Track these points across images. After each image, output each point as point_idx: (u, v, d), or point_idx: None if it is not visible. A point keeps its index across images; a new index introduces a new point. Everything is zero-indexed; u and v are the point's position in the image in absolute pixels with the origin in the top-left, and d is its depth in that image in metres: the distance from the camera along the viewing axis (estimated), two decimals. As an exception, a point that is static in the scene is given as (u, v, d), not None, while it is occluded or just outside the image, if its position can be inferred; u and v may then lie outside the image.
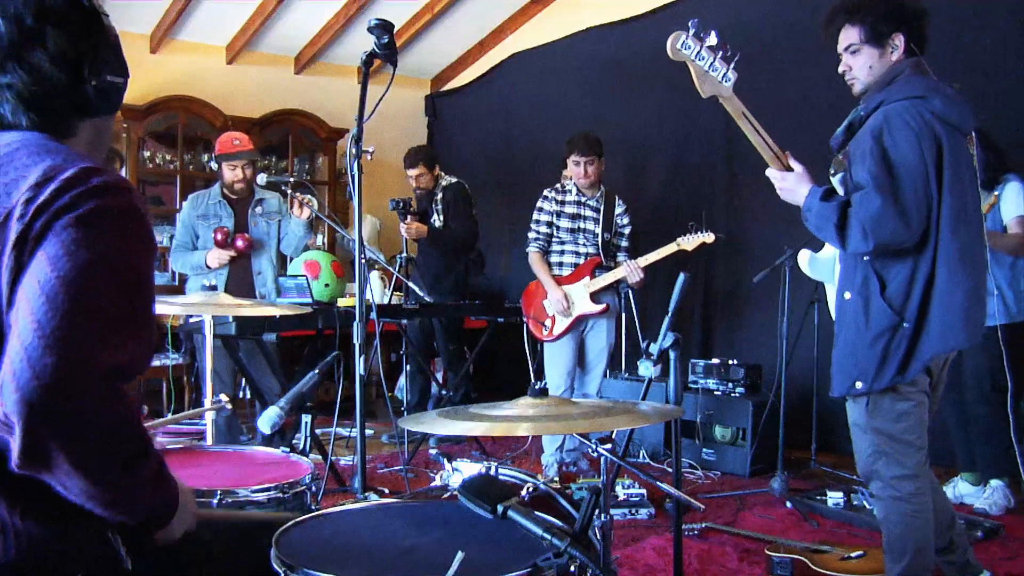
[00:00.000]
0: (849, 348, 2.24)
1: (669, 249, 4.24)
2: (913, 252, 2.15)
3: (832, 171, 2.33)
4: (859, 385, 2.22)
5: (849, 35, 2.28)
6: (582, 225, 4.32)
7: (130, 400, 1.08)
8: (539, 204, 4.38)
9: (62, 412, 1.01)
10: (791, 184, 2.27)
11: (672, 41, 2.16)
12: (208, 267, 4.27)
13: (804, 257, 2.55)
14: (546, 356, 4.40)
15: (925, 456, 2.28)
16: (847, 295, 2.26)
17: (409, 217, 5.02)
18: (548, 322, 4.32)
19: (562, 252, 4.36)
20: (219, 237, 4.24)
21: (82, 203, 1.06)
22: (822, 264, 2.50)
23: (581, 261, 4.32)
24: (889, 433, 2.24)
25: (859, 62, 2.28)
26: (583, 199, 4.33)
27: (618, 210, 4.38)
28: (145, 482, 1.15)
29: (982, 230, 2.25)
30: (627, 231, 4.43)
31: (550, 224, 4.34)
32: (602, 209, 4.33)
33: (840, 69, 2.34)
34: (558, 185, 4.41)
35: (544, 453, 4.36)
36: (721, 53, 2.20)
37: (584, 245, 4.32)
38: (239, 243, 4.28)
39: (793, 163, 2.29)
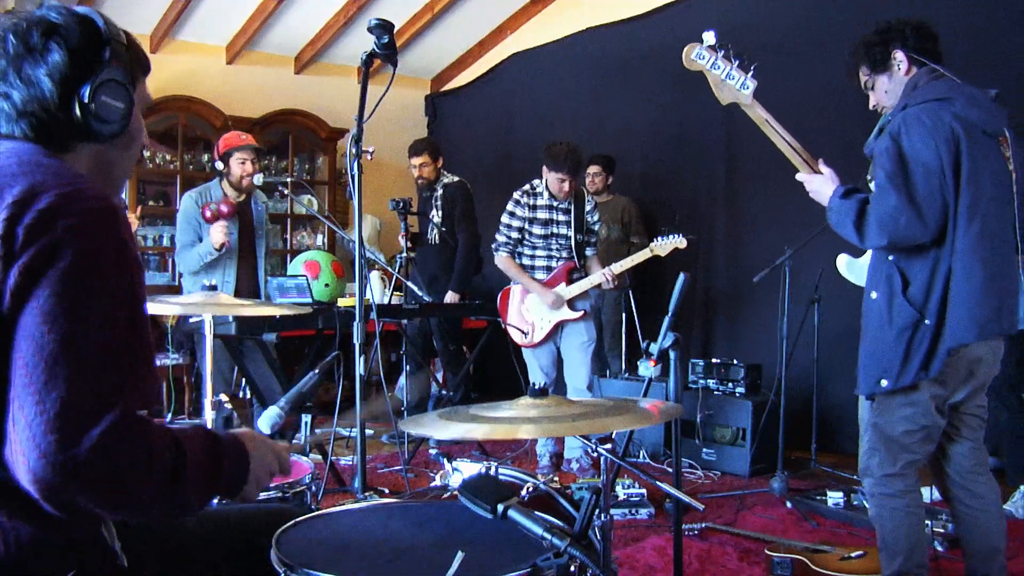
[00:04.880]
0: (874, 346, 2.28)
1: (643, 255, 4.26)
2: (934, 249, 2.18)
3: (869, 177, 2.38)
4: (884, 383, 2.24)
5: (861, 74, 2.42)
6: (555, 230, 4.30)
7: (147, 428, 1.06)
8: (510, 208, 4.32)
9: (76, 484, 1.01)
10: (817, 186, 2.34)
11: (687, 52, 2.29)
12: (216, 248, 4.18)
13: (843, 261, 2.61)
14: (525, 357, 4.45)
15: (919, 462, 2.30)
16: (873, 294, 2.29)
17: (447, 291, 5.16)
18: (528, 329, 4.33)
19: (534, 257, 4.35)
20: (208, 215, 4.21)
21: (68, 246, 1.03)
22: (860, 268, 2.53)
23: (554, 265, 4.31)
24: (886, 432, 2.28)
25: (878, 92, 2.39)
26: (555, 203, 4.29)
27: (587, 207, 4.36)
28: (196, 479, 1.12)
29: (1009, 226, 2.25)
30: (596, 227, 4.44)
31: (521, 230, 4.30)
32: (573, 211, 4.30)
33: (871, 105, 2.45)
34: (527, 187, 4.33)
35: (537, 443, 4.40)
36: (738, 62, 2.28)
37: (558, 250, 4.31)
38: (223, 208, 4.22)
39: (822, 167, 2.35)
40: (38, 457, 0.99)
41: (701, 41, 2.29)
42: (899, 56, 2.31)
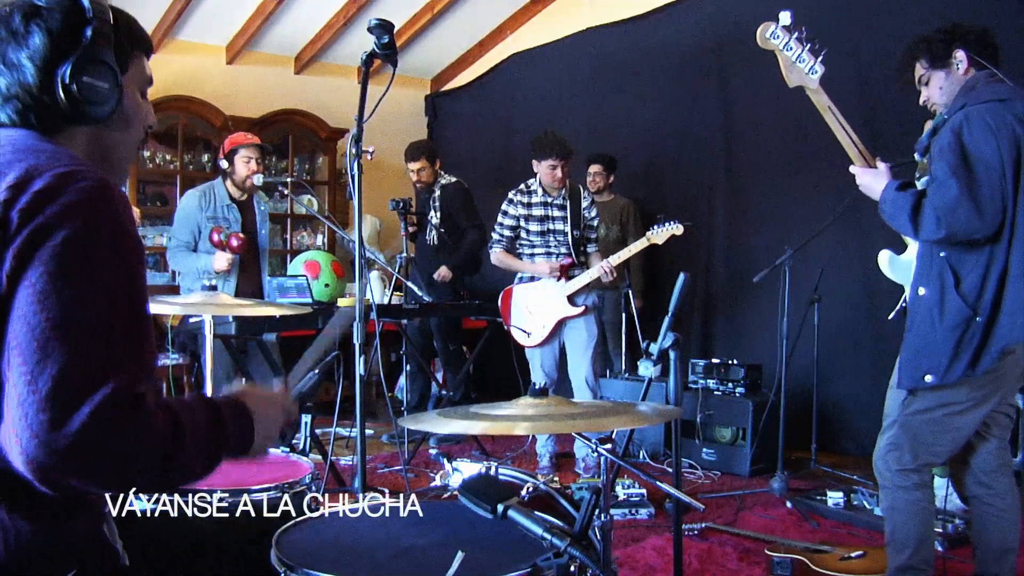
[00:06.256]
0: (922, 342, 2.27)
1: (640, 245, 4.27)
2: (988, 247, 2.18)
3: (917, 175, 2.39)
4: (929, 378, 2.23)
5: (917, 69, 2.41)
6: (551, 227, 4.30)
7: (141, 403, 1.04)
8: (504, 207, 4.34)
9: (69, 464, 0.99)
10: (869, 180, 2.35)
11: (761, 31, 2.28)
12: (216, 272, 4.16)
13: (884, 258, 2.58)
14: (528, 357, 4.45)
15: (936, 463, 2.32)
16: (921, 291, 2.28)
17: (443, 271, 5.18)
18: (531, 329, 4.33)
19: (533, 256, 4.35)
20: (216, 239, 4.13)
21: (62, 225, 1.02)
22: (903, 265, 2.52)
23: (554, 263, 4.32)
24: (914, 430, 2.29)
25: (932, 88, 2.39)
26: (550, 199, 4.30)
27: (584, 203, 4.36)
28: (196, 449, 1.11)
29: None
30: (595, 223, 4.44)
31: (515, 228, 4.32)
32: (569, 206, 4.30)
33: (921, 101, 2.44)
34: (522, 186, 4.35)
35: (537, 443, 4.40)
36: (809, 46, 2.28)
37: (556, 247, 4.31)
38: (234, 242, 4.15)
39: (878, 163, 2.36)
40: (30, 438, 0.97)
41: (776, 20, 2.28)
42: (960, 55, 2.32)
